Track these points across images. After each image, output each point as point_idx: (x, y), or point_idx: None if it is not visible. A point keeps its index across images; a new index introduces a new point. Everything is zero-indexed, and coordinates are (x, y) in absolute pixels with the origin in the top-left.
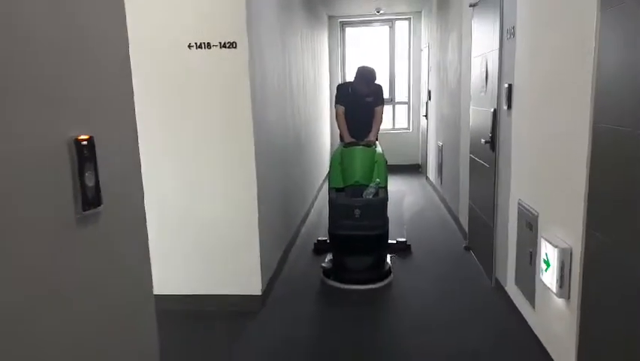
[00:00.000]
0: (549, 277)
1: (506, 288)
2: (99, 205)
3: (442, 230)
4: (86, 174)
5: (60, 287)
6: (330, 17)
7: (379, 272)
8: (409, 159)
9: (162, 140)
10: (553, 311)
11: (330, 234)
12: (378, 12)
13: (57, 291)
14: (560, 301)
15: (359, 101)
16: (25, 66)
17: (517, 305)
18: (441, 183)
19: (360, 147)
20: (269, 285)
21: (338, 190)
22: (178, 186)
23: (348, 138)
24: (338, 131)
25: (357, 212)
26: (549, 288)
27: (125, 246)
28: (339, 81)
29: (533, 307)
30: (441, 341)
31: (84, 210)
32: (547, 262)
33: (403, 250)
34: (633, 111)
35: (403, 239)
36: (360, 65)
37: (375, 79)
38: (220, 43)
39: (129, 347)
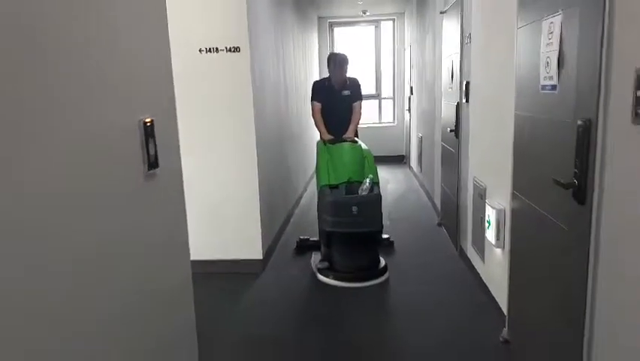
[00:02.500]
0: (490, 233)
1: (467, 253)
2: (157, 167)
3: (420, 211)
4: (149, 145)
5: (137, 218)
6: (319, 18)
7: (377, 268)
8: (394, 150)
9: (180, 130)
10: (494, 260)
11: (326, 232)
12: (364, 13)
13: (139, 214)
14: (498, 251)
15: (336, 96)
16: (118, 75)
17: (473, 264)
18: (421, 170)
19: (347, 143)
20: (268, 252)
21: (331, 188)
22: (195, 171)
23: (326, 135)
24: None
25: (354, 209)
26: (491, 242)
27: (170, 198)
28: None
29: (483, 261)
30: (414, 295)
31: (148, 169)
32: (489, 222)
33: (385, 246)
34: (532, 100)
35: (386, 236)
36: (330, 53)
37: (348, 62)
38: (226, 47)
39: (172, 273)
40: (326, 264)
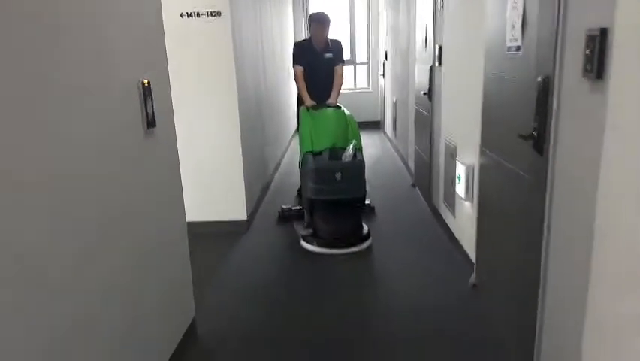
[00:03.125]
0: (460, 188)
1: (439, 210)
2: (155, 126)
3: (395, 174)
4: (147, 105)
5: (140, 171)
6: None
7: (361, 235)
8: (370, 116)
9: None
10: (463, 214)
11: (310, 199)
12: None
13: (140, 169)
14: (467, 204)
15: (318, 58)
16: (119, 37)
17: (445, 219)
18: (395, 135)
19: (330, 109)
20: (252, 214)
21: (314, 155)
22: (180, 135)
23: (308, 101)
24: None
25: (338, 175)
26: (461, 196)
27: (167, 156)
28: None
29: (454, 216)
30: (392, 253)
31: (147, 128)
32: (459, 178)
33: (366, 212)
34: (499, 62)
35: (367, 201)
36: (311, 13)
37: (330, 21)
38: (207, 12)
39: (170, 219)
40: (310, 231)
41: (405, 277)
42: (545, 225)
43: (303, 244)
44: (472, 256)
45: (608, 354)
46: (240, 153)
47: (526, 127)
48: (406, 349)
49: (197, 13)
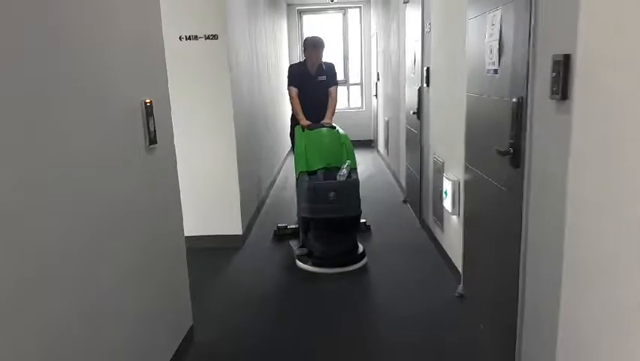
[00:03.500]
0: (448, 203)
1: (429, 224)
2: (155, 143)
3: (387, 190)
4: (150, 123)
5: (142, 184)
6: (288, 5)
7: (356, 254)
8: (363, 135)
9: None
10: (451, 227)
11: (304, 218)
12: (331, 0)
13: (142, 183)
14: (454, 218)
15: (312, 81)
16: (125, 59)
17: (434, 233)
18: (387, 153)
19: (325, 129)
20: (247, 229)
21: (309, 174)
22: (178, 150)
23: (304, 121)
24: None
25: (332, 194)
26: (448, 211)
27: (166, 171)
28: None
29: (442, 230)
30: (383, 266)
31: (149, 144)
32: (446, 193)
33: (363, 231)
34: (479, 83)
35: (363, 220)
36: (307, 37)
37: (324, 46)
38: (205, 35)
39: (169, 231)
40: (305, 250)
41: (395, 288)
42: (522, 235)
43: (298, 263)
44: (460, 267)
45: (582, 353)
46: (236, 169)
47: (504, 144)
48: (395, 353)
49: (196, 37)
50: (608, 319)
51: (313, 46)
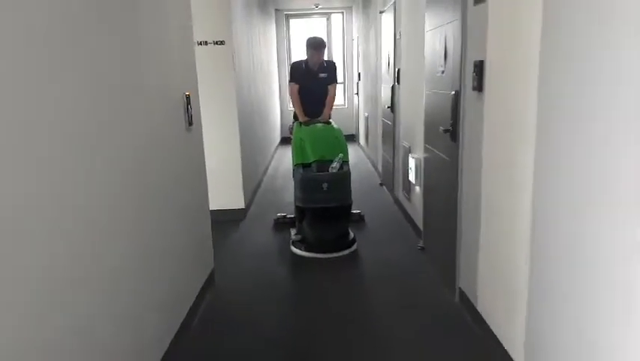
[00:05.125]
0: (412, 176)
1: (399, 199)
2: (192, 125)
3: (366, 176)
4: (189, 110)
5: (183, 155)
6: (276, 10)
7: (346, 240)
8: (346, 130)
9: None
10: (415, 196)
11: (300, 207)
12: (316, 6)
13: (184, 153)
14: (417, 188)
15: (313, 78)
16: (176, 67)
17: (403, 205)
18: (367, 145)
19: (320, 124)
20: (248, 204)
21: (304, 166)
22: None
23: (302, 117)
24: (286, 104)
25: (325, 185)
26: (412, 182)
27: (197, 147)
28: (286, 64)
29: (409, 200)
30: (363, 234)
31: (189, 125)
32: (411, 168)
33: (356, 221)
34: (433, 81)
35: (358, 211)
36: (309, 37)
37: (324, 45)
38: (214, 41)
39: (197, 191)
40: (299, 237)
41: (372, 244)
42: (458, 190)
43: (293, 248)
44: (421, 226)
45: (490, 260)
46: (239, 153)
47: (447, 124)
48: (373, 283)
49: (206, 42)
50: (504, 240)
51: (315, 47)
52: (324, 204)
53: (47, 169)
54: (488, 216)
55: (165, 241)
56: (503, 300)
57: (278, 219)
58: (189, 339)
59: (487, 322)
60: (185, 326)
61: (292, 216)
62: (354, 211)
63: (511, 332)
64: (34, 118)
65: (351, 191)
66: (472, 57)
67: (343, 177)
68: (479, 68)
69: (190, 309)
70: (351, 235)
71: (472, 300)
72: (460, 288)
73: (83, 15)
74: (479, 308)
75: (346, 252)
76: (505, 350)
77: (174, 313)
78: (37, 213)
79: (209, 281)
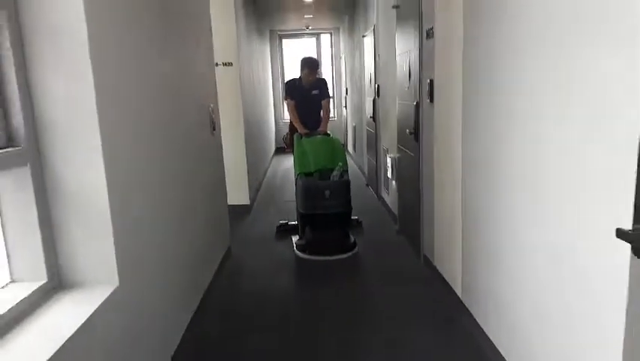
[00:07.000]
0: (389, 172)
1: (381, 194)
2: (215, 130)
3: (354, 180)
4: (212, 118)
5: (209, 152)
6: (270, 31)
7: (348, 243)
8: None
9: None
10: (392, 189)
11: (303, 214)
12: (307, 27)
13: (209, 152)
14: (393, 183)
15: (306, 95)
16: (200, 83)
17: (384, 198)
18: (355, 152)
19: (320, 136)
20: (252, 201)
21: (306, 175)
22: None
23: (302, 130)
24: (280, 117)
25: (327, 193)
26: (389, 178)
27: (218, 149)
28: (279, 80)
29: (388, 194)
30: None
31: (212, 130)
32: (389, 167)
33: (354, 226)
34: (402, 94)
35: (355, 217)
36: (304, 57)
37: (319, 65)
38: (223, 62)
39: (219, 176)
40: (303, 241)
41: (361, 235)
42: (420, 176)
43: (297, 251)
44: (397, 214)
45: (441, 235)
46: (245, 157)
47: (411, 127)
48: (356, 262)
49: (217, 64)
50: (448, 208)
51: (310, 66)
52: (326, 210)
53: (147, 149)
54: (438, 194)
55: (196, 212)
56: (448, 251)
57: (280, 226)
58: (221, 286)
59: (440, 271)
60: (217, 274)
61: (294, 223)
62: (353, 217)
63: (453, 273)
64: (142, 115)
65: (351, 198)
66: (426, 76)
67: (344, 185)
68: (431, 84)
69: (216, 271)
70: (352, 238)
71: (431, 260)
72: (424, 254)
73: (155, 43)
74: (435, 264)
75: (345, 255)
76: (451, 287)
77: (209, 265)
78: (143, 182)
79: (227, 254)
